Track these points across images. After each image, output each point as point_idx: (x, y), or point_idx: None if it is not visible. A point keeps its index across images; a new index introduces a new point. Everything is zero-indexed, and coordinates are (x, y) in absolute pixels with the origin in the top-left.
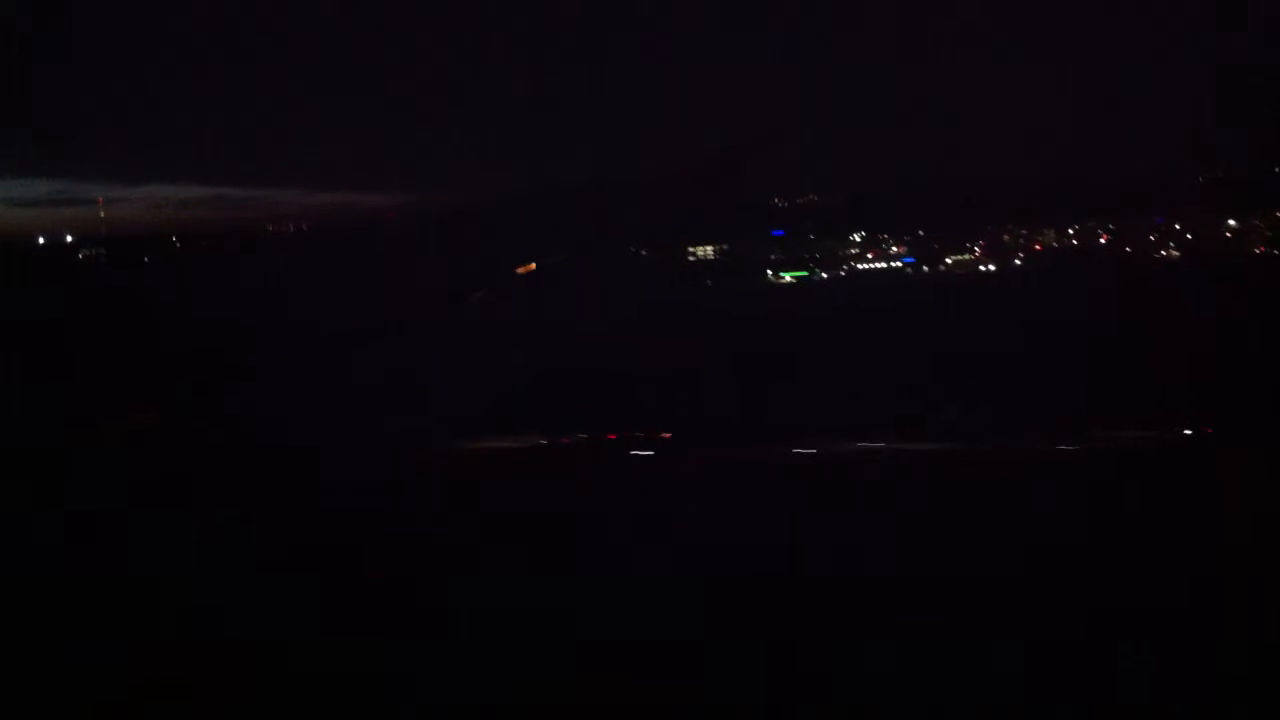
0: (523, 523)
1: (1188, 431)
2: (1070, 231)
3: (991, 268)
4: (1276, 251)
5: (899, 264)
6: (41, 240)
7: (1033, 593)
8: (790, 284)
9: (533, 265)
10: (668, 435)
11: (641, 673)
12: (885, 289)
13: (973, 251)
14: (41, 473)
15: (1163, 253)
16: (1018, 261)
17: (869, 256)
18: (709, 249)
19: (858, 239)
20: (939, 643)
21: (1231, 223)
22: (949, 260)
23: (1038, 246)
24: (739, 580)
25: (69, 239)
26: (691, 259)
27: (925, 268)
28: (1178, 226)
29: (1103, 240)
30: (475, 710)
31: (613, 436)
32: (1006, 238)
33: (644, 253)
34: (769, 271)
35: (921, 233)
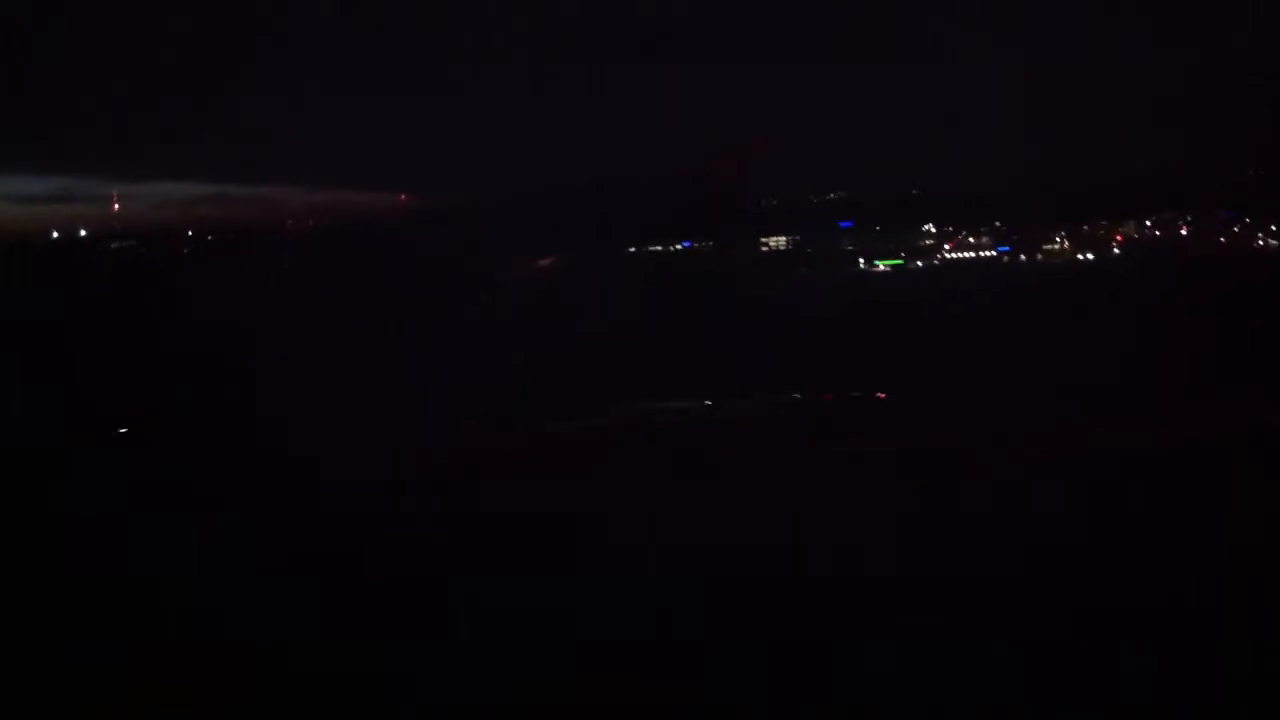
0: (523, 523)
1: None
2: (1149, 223)
3: (1089, 256)
4: None
5: (993, 253)
6: (55, 235)
7: (1036, 592)
8: (886, 272)
9: (550, 260)
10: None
11: (641, 673)
12: (1000, 277)
13: (1060, 243)
14: (41, 473)
15: (1258, 243)
16: (1115, 251)
17: (946, 247)
18: (781, 240)
19: (931, 229)
20: (941, 643)
21: None
22: (1044, 249)
23: (1119, 238)
24: (740, 580)
25: (75, 237)
26: (765, 249)
27: (1023, 256)
28: (1247, 220)
29: (1184, 232)
30: (475, 710)
31: (828, 397)
32: (1086, 228)
33: (709, 244)
34: (860, 261)
35: (998, 224)
